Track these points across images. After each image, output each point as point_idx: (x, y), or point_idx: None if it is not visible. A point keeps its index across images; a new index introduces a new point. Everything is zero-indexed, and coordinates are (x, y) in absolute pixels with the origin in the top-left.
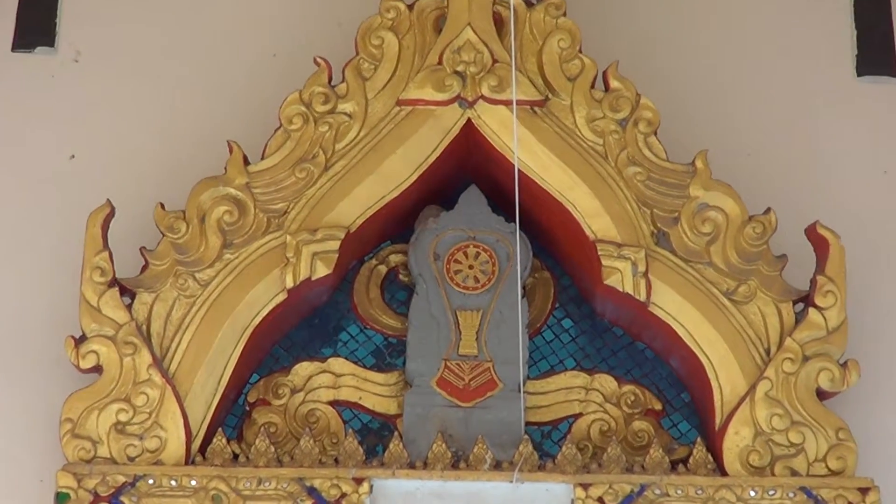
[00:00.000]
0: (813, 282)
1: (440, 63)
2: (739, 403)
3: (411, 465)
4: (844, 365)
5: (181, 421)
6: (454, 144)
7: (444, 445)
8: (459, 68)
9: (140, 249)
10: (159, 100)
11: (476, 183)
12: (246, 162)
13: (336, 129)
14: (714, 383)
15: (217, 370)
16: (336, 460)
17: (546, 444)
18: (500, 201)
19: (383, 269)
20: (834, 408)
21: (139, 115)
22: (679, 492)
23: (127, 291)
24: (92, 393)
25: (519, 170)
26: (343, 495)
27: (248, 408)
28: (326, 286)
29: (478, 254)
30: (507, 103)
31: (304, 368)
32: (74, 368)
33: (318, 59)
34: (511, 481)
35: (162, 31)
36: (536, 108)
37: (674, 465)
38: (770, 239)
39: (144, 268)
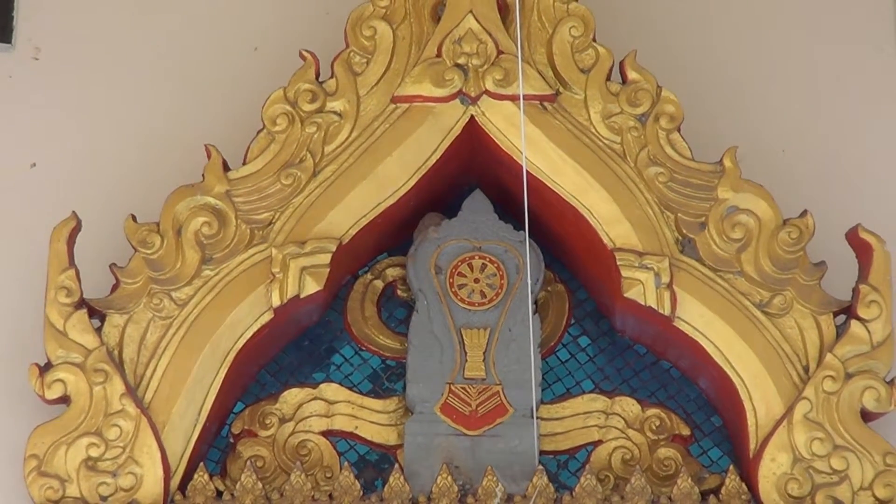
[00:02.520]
0: (855, 291)
1: (439, 55)
2: (776, 427)
3: (414, 501)
4: (891, 383)
5: (158, 455)
6: (456, 145)
7: (449, 478)
8: (461, 61)
9: (110, 266)
10: (129, 100)
11: (481, 187)
12: (226, 168)
13: (325, 129)
14: (747, 405)
15: (197, 399)
16: (330, 496)
17: (562, 474)
18: (508, 207)
19: (379, 284)
20: (880, 430)
21: (106, 118)
22: None
23: (96, 313)
24: (59, 426)
25: (528, 172)
26: None
27: (232, 440)
28: (317, 304)
29: (484, 266)
30: (514, 98)
31: (293, 395)
32: (39, 399)
33: (304, 53)
34: None
35: (130, 25)
36: (546, 104)
37: (704, 496)
38: (807, 245)
39: (115, 287)
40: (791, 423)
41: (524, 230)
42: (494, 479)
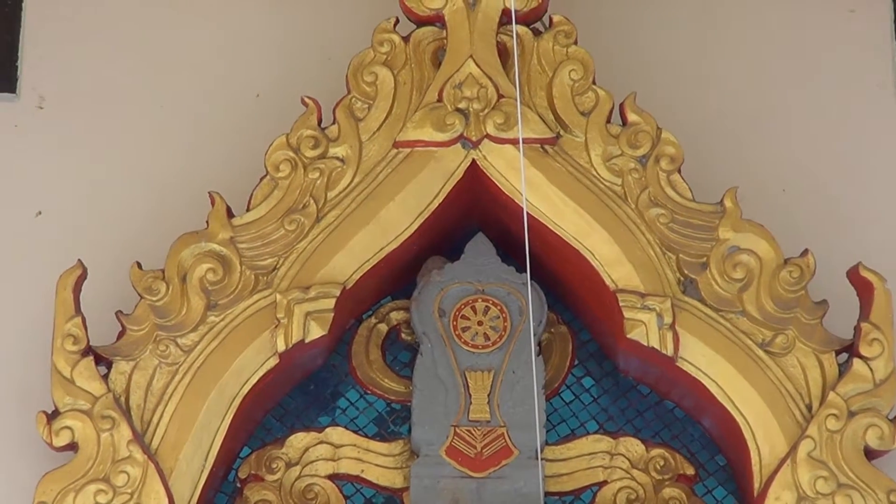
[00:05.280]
0: (857, 329)
1: (440, 100)
2: (780, 466)
3: None
4: (894, 420)
5: (166, 501)
6: (458, 189)
7: None
8: (462, 105)
9: (116, 314)
10: (133, 148)
11: (483, 230)
12: (230, 214)
13: (328, 175)
14: (751, 444)
15: (204, 444)
16: None
17: None
18: (510, 250)
19: (384, 327)
20: (884, 468)
21: (111, 166)
22: None
23: (103, 360)
24: (67, 473)
25: (529, 214)
26: None
27: (239, 485)
28: (322, 349)
29: (487, 308)
30: (515, 142)
31: (299, 440)
32: (47, 446)
33: (306, 99)
34: None
35: (134, 73)
36: (547, 147)
37: None
38: (808, 283)
39: (121, 334)
40: (795, 462)
41: (526, 273)
42: None
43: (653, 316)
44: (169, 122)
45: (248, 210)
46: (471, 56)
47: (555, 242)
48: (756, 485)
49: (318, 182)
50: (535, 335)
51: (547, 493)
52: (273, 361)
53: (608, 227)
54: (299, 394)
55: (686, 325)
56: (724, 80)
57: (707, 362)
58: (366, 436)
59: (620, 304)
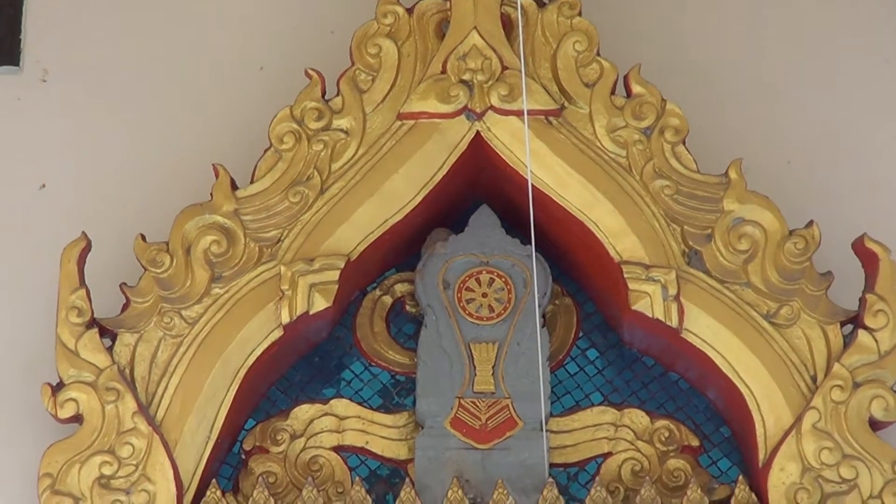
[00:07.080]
0: (862, 301)
1: (444, 71)
2: (784, 437)
3: None
4: None
5: (171, 473)
6: (462, 160)
7: (460, 492)
8: (465, 77)
9: (120, 286)
10: (137, 121)
11: (488, 202)
12: (234, 186)
13: (332, 147)
14: (756, 415)
15: (209, 416)
16: None
17: (573, 487)
18: (515, 222)
19: (388, 299)
20: (889, 439)
21: (115, 139)
22: None
23: (107, 332)
24: (72, 445)
25: (534, 186)
26: None
27: (243, 456)
28: (326, 321)
29: (492, 280)
30: (519, 114)
31: (304, 411)
32: (52, 418)
33: (310, 71)
34: None
35: (137, 46)
36: (551, 118)
37: None
38: (813, 255)
39: (125, 306)
40: (800, 433)
41: (531, 244)
42: (505, 492)
43: (657, 287)
44: (172, 95)
45: (252, 182)
46: (475, 27)
47: (559, 214)
48: (761, 456)
49: (322, 154)
50: (539, 307)
51: (551, 465)
52: (277, 333)
53: (613, 198)
54: (304, 366)
55: (691, 296)
56: (729, 52)
57: (712, 334)
58: (370, 408)
59: (625, 275)
